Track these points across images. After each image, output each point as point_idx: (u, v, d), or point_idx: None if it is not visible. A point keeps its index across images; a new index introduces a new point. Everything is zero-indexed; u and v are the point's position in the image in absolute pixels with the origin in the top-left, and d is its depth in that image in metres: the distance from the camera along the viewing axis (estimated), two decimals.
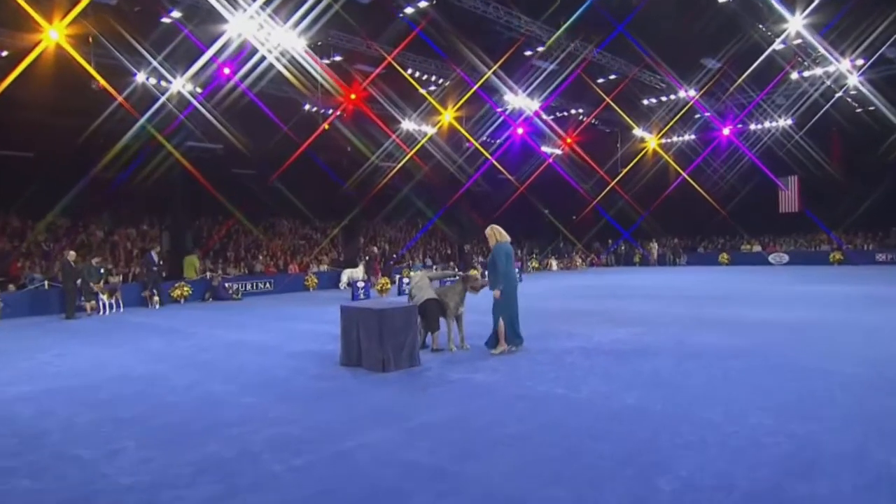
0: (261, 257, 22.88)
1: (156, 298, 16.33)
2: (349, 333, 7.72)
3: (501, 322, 7.89)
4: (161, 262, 17.53)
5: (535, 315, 11.76)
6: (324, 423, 5.20)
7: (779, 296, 13.71)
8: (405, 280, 19.74)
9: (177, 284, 17.92)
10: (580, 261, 31.76)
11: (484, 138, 26.25)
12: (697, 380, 6.19)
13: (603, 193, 30.56)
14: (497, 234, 8.03)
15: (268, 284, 20.46)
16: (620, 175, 30.27)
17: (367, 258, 21.60)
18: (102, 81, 14.61)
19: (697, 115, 28.56)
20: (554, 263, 30.37)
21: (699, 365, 6.87)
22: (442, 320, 8.58)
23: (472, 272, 8.42)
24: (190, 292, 18.01)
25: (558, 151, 29.47)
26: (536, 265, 29.98)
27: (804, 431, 4.58)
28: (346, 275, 21.29)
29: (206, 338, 10.37)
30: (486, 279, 8.14)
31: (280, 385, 6.64)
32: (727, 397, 5.53)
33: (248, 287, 19.93)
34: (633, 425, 4.84)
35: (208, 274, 19.40)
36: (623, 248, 32.87)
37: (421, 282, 8.32)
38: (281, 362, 7.95)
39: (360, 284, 17.55)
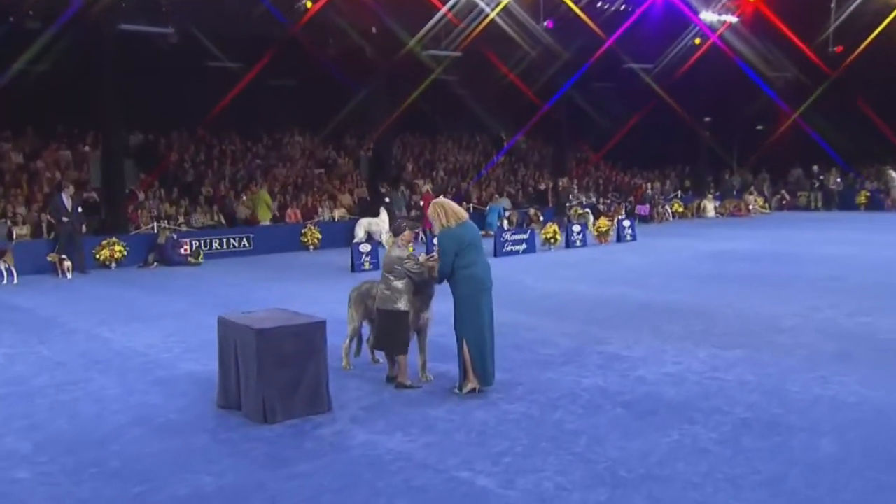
0: (245, 197, 23.50)
1: (67, 264, 17.30)
2: (226, 361, 7.78)
3: (466, 347, 7.75)
4: (80, 208, 18.42)
5: (587, 312, 11.55)
6: None
7: None
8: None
9: (105, 241, 18.86)
10: (760, 202, 30.19)
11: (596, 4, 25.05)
12: (727, 478, 5.72)
13: (814, 96, 28.49)
14: (444, 213, 7.81)
15: (245, 241, 21.14)
16: (846, 63, 27.86)
17: (387, 200, 21.67)
18: None
19: None
20: (710, 207, 29.12)
21: (762, 444, 6.36)
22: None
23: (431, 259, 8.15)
24: (124, 253, 18.92)
25: (731, 18, 27.61)
26: (680, 209, 28.87)
27: None
28: (363, 227, 21.56)
29: (78, 342, 10.87)
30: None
31: (91, 447, 6.78)
32: None
33: (216, 245, 20.71)
34: None
35: (154, 226, 20.27)
36: (839, 181, 30.82)
37: (393, 266, 8.11)
38: (139, 398, 8.18)
39: (365, 248, 17.66)
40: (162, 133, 26.19)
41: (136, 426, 7.31)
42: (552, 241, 20.28)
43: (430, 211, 8.00)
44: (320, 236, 22.06)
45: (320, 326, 7.52)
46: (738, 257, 17.52)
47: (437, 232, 7.96)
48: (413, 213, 22.95)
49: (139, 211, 21.57)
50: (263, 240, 21.39)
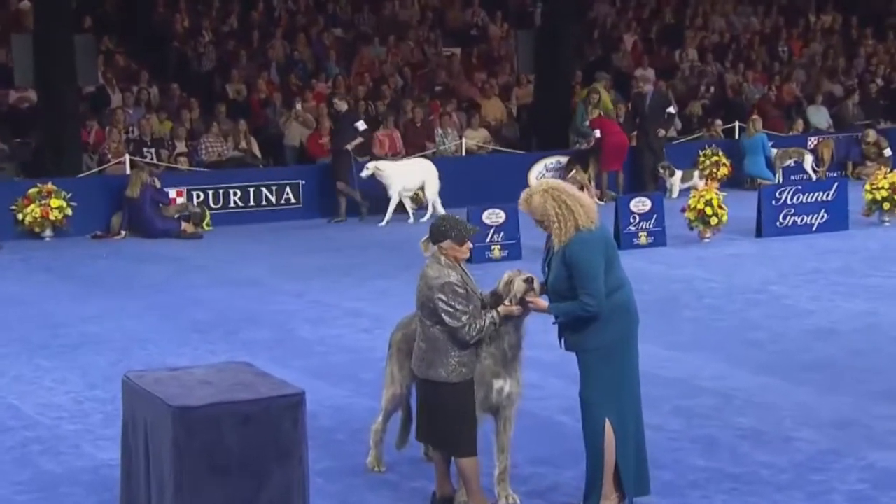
0: (301, 104, 23.91)
1: None
2: (132, 459, 8.09)
3: (609, 432, 8.01)
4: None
5: (885, 372, 11.74)
6: None
7: None
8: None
9: (33, 189, 19.77)
10: None
11: None
12: None
13: None
14: (579, 207, 8.15)
15: (289, 193, 21.84)
16: None
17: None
18: None
19: None
20: None
21: None
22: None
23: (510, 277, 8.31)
24: (68, 212, 19.80)
25: None
26: None
27: None
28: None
29: None
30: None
31: None
32: None
33: (234, 200, 21.46)
34: None
35: (127, 161, 21.01)
36: None
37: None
38: None
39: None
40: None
41: None
42: (885, 205, 19.79)
43: (543, 206, 8.15)
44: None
45: (293, 405, 7.70)
46: None
47: (562, 239, 8.11)
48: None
49: (106, 130, 22.44)
50: (317, 190, 22.09)
